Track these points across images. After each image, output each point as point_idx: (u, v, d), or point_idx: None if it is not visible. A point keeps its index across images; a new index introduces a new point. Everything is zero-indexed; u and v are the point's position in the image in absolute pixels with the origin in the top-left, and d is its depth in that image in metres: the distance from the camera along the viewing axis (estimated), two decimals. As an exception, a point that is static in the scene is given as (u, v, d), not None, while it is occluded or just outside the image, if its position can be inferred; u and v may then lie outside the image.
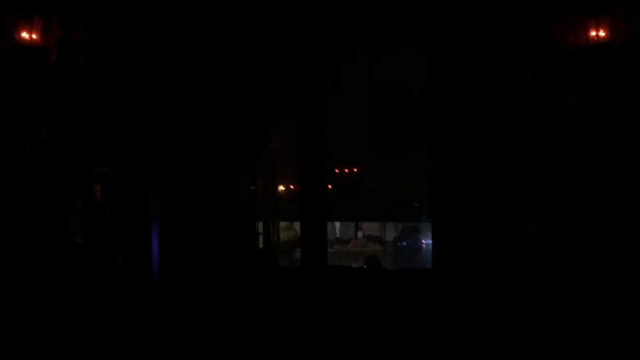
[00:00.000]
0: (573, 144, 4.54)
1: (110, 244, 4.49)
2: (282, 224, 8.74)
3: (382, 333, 4.85)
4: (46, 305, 4.26)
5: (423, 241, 8.09)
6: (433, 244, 5.21)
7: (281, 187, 9.36)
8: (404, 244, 8.78)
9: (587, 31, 4.45)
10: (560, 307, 4.54)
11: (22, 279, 4.13)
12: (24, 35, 4.43)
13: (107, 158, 4.47)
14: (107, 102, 4.55)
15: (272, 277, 5.18)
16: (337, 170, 9.22)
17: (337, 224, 9.66)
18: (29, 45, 4.40)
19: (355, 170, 9.30)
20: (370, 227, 9.65)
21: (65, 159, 4.26)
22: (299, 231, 5.52)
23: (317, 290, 5.06)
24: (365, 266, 7.75)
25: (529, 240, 4.67)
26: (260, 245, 6.96)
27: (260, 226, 8.37)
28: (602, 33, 4.41)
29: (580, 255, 4.54)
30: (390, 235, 9.33)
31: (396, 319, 4.91)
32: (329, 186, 8.63)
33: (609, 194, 4.50)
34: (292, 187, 7.79)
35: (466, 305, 4.81)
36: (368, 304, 5.01)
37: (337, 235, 9.63)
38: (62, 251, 4.28)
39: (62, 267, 4.30)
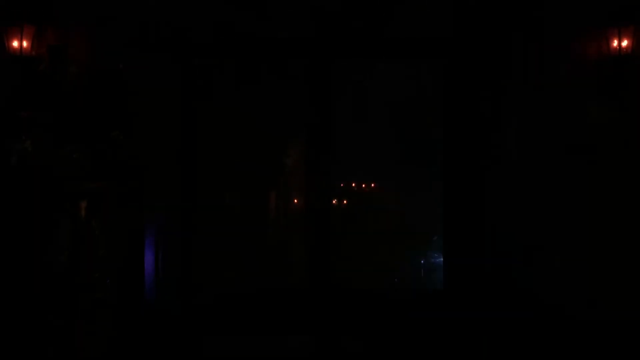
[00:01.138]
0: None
1: (99, 264, 4.25)
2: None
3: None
4: (33, 329, 4.04)
5: (441, 260, 7.74)
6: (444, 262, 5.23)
7: (296, 201, 9.14)
8: (422, 262, 8.40)
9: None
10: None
11: (4, 303, 3.93)
12: (14, 44, 4.27)
13: (98, 172, 4.25)
14: (100, 114, 4.33)
15: (276, 299, 4.99)
16: (353, 185, 9.01)
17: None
18: (17, 54, 4.24)
19: (373, 185, 9.07)
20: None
21: (51, 174, 4.06)
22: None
23: (322, 311, 4.88)
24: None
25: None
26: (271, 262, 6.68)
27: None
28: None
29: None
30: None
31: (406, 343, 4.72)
32: (345, 202, 8.45)
33: None
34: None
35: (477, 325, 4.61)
36: (376, 327, 4.82)
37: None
38: (48, 272, 4.06)
39: (49, 289, 4.09)
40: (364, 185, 9.02)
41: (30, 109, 4.12)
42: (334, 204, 6.93)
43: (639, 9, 4.14)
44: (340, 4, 4.83)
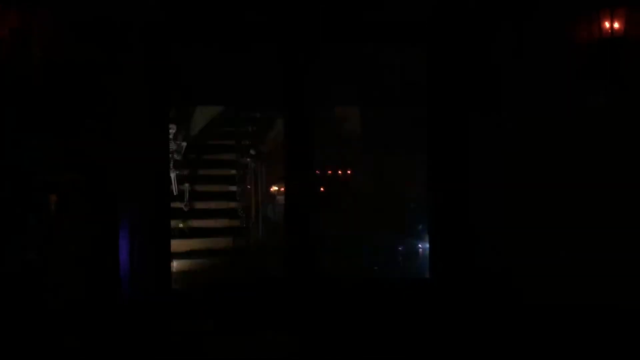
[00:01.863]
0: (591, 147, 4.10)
1: (71, 260, 4.01)
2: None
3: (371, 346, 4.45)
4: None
5: (420, 246, 7.70)
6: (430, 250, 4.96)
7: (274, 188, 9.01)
8: (400, 248, 8.35)
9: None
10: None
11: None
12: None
13: (69, 165, 4.00)
14: (69, 102, 4.06)
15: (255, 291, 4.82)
16: (330, 172, 8.92)
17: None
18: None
19: (349, 172, 8.98)
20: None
21: (19, 167, 3.79)
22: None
23: (302, 302, 4.70)
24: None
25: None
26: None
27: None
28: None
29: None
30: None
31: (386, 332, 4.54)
32: (322, 189, 8.34)
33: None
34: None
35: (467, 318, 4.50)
36: (356, 316, 4.63)
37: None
38: (15, 270, 3.81)
39: (17, 288, 3.85)
40: (340, 172, 8.94)
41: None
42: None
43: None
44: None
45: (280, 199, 8.35)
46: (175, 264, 5.93)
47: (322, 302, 4.69)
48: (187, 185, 8.28)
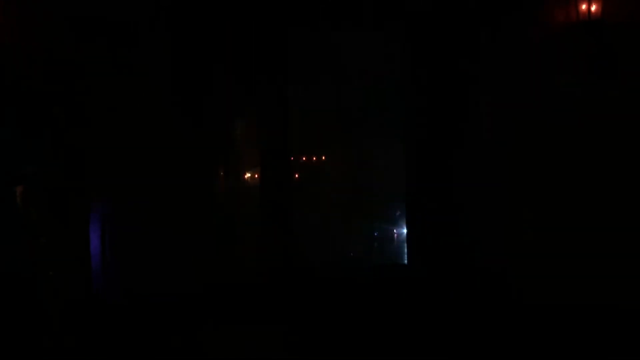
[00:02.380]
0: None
1: (40, 253, 3.85)
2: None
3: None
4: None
5: (395, 231, 7.66)
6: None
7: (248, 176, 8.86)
8: (375, 234, 8.31)
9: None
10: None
11: None
12: None
13: (36, 156, 3.83)
14: (36, 92, 3.89)
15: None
16: (304, 158, 8.79)
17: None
18: None
19: (323, 158, 8.87)
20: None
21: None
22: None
23: (278, 296, 4.66)
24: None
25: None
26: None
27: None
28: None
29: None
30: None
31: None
32: (296, 175, 8.24)
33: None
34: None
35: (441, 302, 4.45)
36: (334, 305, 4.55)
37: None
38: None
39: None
40: (314, 158, 8.83)
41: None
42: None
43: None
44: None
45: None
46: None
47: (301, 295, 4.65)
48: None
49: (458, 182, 4.51)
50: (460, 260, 4.50)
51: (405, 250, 5.62)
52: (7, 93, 3.81)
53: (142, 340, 4.09)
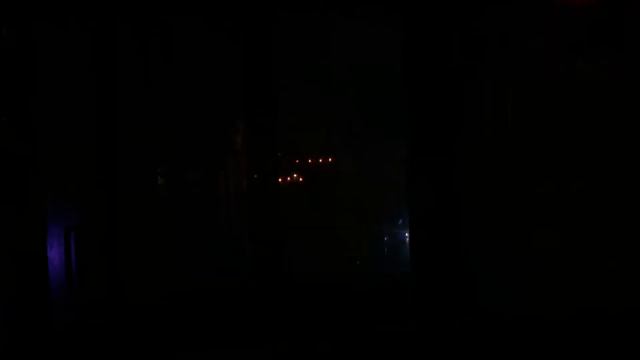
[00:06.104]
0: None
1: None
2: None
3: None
4: None
5: (407, 235, 7.41)
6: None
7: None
8: (385, 239, 8.05)
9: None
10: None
11: None
12: None
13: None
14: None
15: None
16: (310, 161, 8.55)
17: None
18: None
19: (330, 160, 8.62)
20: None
21: None
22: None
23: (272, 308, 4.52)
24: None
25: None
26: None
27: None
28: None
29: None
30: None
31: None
32: (300, 178, 7.95)
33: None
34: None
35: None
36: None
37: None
38: None
39: None
40: (320, 160, 8.55)
41: None
42: (288, 181, 6.47)
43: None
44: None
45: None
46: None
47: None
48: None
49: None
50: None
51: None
52: None
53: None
